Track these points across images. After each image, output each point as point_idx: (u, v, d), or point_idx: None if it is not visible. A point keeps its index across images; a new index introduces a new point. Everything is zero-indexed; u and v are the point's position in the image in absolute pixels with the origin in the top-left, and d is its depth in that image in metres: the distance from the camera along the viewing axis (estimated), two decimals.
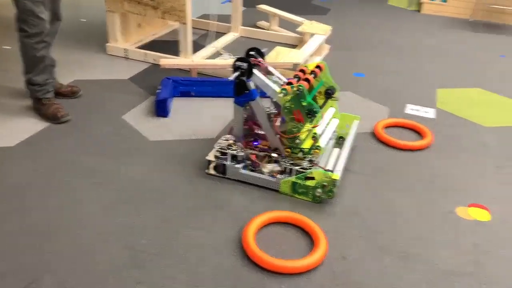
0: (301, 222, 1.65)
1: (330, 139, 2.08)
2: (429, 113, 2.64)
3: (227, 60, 2.84)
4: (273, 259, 1.46)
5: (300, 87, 1.72)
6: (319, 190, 1.76)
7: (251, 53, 1.93)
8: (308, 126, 1.80)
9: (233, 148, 1.88)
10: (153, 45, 3.38)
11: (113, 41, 3.19)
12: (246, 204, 1.78)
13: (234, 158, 1.87)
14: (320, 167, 1.81)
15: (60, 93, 2.49)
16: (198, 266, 1.48)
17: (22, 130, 2.19)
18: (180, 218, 1.68)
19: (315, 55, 3.33)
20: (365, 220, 1.73)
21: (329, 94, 2.02)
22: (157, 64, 3.01)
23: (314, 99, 1.96)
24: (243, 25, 3.87)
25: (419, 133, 2.39)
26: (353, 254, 1.57)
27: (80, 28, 3.73)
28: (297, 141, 1.80)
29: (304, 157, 1.84)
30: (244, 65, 1.76)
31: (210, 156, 1.91)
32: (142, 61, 3.11)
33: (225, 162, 1.87)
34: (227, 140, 1.92)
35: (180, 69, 2.92)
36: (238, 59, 1.77)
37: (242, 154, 1.86)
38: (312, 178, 1.76)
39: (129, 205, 1.74)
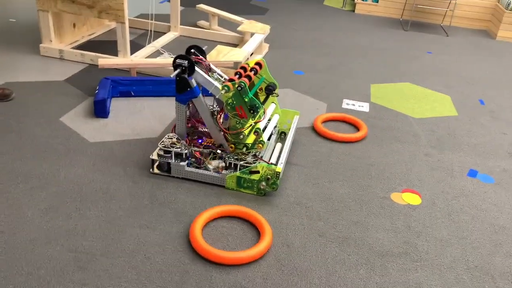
0: (247, 214, 1.69)
1: (273, 134, 2.14)
2: (364, 107, 2.78)
3: (167, 59, 2.82)
4: (219, 252, 1.49)
5: (242, 83, 1.75)
6: (263, 183, 1.80)
7: (192, 51, 1.93)
8: (251, 121, 1.84)
9: (177, 146, 1.88)
10: (90, 46, 3.29)
11: (47, 42, 3.07)
12: (192, 200, 1.79)
13: (179, 156, 1.87)
14: (264, 161, 1.86)
15: None
16: (145, 264, 1.48)
17: None
18: (125, 218, 1.67)
19: (255, 53, 3.39)
20: (307, 209, 1.80)
21: (270, 90, 2.06)
22: (95, 65, 2.95)
23: (256, 95, 2.00)
24: (184, 24, 3.86)
25: (355, 126, 2.51)
26: (296, 242, 1.63)
27: (10, 29, 3.55)
28: (241, 136, 1.83)
29: (248, 152, 1.87)
30: (185, 62, 1.76)
31: (154, 155, 1.90)
32: (79, 62, 3.02)
33: (169, 161, 1.87)
34: (171, 138, 1.92)
35: (119, 69, 2.87)
36: (179, 57, 1.77)
37: (186, 151, 1.86)
38: (257, 172, 1.80)
39: (70, 208, 1.69)
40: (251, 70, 1.94)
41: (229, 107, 1.81)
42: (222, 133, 1.87)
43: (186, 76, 1.78)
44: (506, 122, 2.74)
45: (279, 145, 2.10)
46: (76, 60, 3.03)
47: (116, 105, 2.50)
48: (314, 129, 2.44)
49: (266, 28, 3.48)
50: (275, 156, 1.99)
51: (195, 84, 1.82)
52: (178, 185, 1.87)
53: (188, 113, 1.93)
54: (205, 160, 1.89)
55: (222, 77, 1.97)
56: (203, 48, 1.97)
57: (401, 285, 1.49)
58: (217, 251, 1.50)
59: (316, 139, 2.35)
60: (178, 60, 1.76)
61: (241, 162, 1.84)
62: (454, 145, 2.41)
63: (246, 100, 1.78)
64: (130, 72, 2.74)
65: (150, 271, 1.45)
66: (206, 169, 1.88)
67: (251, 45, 3.14)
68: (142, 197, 1.79)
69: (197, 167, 1.88)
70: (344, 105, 2.77)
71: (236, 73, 1.90)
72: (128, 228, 1.62)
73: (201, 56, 1.94)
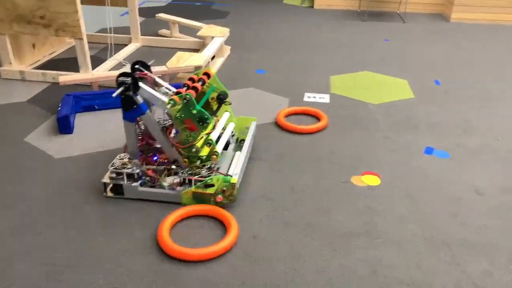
0: (213, 212, 1.75)
1: (230, 142, 2.11)
2: (324, 98, 2.86)
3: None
4: (186, 249, 1.55)
5: (187, 96, 1.71)
6: (220, 196, 1.76)
7: (136, 66, 1.87)
8: (202, 133, 1.80)
9: (128, 167, 1.82)
10: (52, 64, 3.30)
11: (7, 65, 3.07)
12: (156, 208, 1.84)
13: (131, 176, 1.82)
14: (220, 173, 1.83)
15: None
16: (116, 269, 1.52)
17: None
18: (93, 229, 1.71)
19: (217, 57, 3.46)
20: (272, 201, 1.87)
21: (221, 99, 2.03)
22: (57, 83, 2.96)
23: (208, 105, 1.99)
24: (145, 34, 3.90)
25: (316, 117, 2.59)
26: (262, 233, 1.70)
27: None
28: (193, 149, 1.80)
29: (203, 165, 1.84)
30: (128, 79, 1.70)
31: (106, 178, 1.85)
32: (42, 81, 3.03)
33: (121, 182, 1.82)
34: (122, 158, 1.87)
35: (82, 84, 2.90)
36: (121, 74, 1.72)
37: (138, 171, 1.82)
38: (211, 186, 1.76)
39: (39, 224, 1.72)
40: (198, 81, 1.91)
41: (177, 121, 1.76)
42: (175, 147, 1.83)
43: (130, 93, 1.72)
44: (460, 100, 2.86)
45: (238, 153, 2.03)
46: (38, 80, 3.04)
47: (81, 120, 2.52)
48: (277, 124, 2.51)
49: (225, 31, 3.55)
50: (233, 166, 1.91)
51: (141, 101, 1.76)
52: (136, 205, 1.85)
53: (139, 130, 1.89)
54: (158, 178, 1.84)
55: (170, 90, 1.89)
56: (149, 63, 1.92)
57: (362, 262, 1.56)
58: (184, 249, 1.55)
59: (279, 134, 2.42)
60: (120, 78, 1.70)
61: (196, 177, 1.79)
62: (411, 126, 2.52)
63: (194, 112, 1.74)
64: (92, 87, 2.77)
65: (121, 276, 1.50)
66: (161, 186, 1.83)
67: (210, 48, 3.20)
68: (108, 208, 1.82)
69: (152, 186, 1.83)
70: (305, 99, 2.85)
71: (184, 85, 1.86)
72: (96, 238, 1.66)
73: (146, 71, 1.87)
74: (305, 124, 2.49)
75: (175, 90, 1.86)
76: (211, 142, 1.82)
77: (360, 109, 2.72)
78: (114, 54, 3.46)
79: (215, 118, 2.03)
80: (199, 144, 1.80)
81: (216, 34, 3.47)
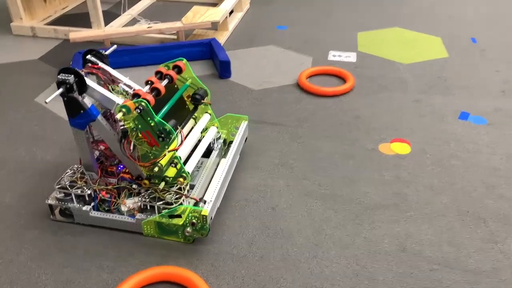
0: (177, 277, 1.30)
1: (214, 149, 1.70)
2: (351, 57, 2.67)
3: (141, 26, 2.71)
4: None
5: (142, 104, 1.28)
6: (188, 229, 1.39)
7: (88, 57, 1.47)
8: (166, 150, 1.39)
9: (78, 185, 1.47)
10: (64, 20, 3.17)
11: (18, 20, 2.95)
12: (99, 249, 1.41)
13: (81, 197, 1.47)
14: (191, 197, 1.44)
15: None
16: None
17: None
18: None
19: (236, 11, 3.25)
20: (292, 170, 1.75)
21: (197, 99, 1.59)
22: (69, 40, 2.84)
23: (183, 104, 1.60)
24: None
25: (341, 78, 2.42)
26: (281, 203, 1.59)
27: None
28: (155, 169, 1.38)
29: (171, 187, 1.43)
30: (70, 77, 1.28)
31: (51, 199, 1.48)
32: (53, 38, 2.91)
33: (69, 205, 1.46)
34: (74, 173, 1.50)
35: (94, 42, 2.77)
36: (62, 70, 1.30)
37: (89, 192, 1.45)
38: (178, 216, 1.40)
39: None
40: (164, 78, 1.48)
41: (133, 133, 1.34)
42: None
43: (75, 95, 1.31)
44: (499, 59, 2.63)
45: (223, 161, 1.63)
46: (50, 37, 2.92)
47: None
48: (298, 85, 2.35)
49: None
50: (214, 184, 1.52)
51: (89, 104, 1.34)
52: (88, 237, 1.46)
53: (92, 137, 1.48)
54: (114, 201, 1.46)
55: (131, 88, 1.45)
56: (106, 52, 1.52)
57: (390, 237, 1.45)
58: None
59: (301, 96, 2.27)
60: (61, 76, 1.28)
61: (159, 203, 1.41)
62: (444, 88, 2.32)
63: (153, 124, 1.32)
64: (104, 44, 2.64)
65: None
66: (119, 211, 1.46)
67: (229, 2, 3.00)
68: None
69: (108, 210, 1.47)
70: (330, 57, 2.66)
71: (147, 82, 1.42)
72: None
73: (100, 64, 1.47)
74: (329, 86, 2.33)
75: (137, 87, 1.45)
76: (177, 161, 1.40)
77: (389, 69, 2.53)
78: (128, 9, 3.29)
79: (191, 121, 1.61)
80: (163, 162, 1.38)
81: None
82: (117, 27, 2.96)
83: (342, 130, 1.99)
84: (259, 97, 2.27)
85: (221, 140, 1.76)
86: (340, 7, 3.46)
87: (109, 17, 3.10)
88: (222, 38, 2.84)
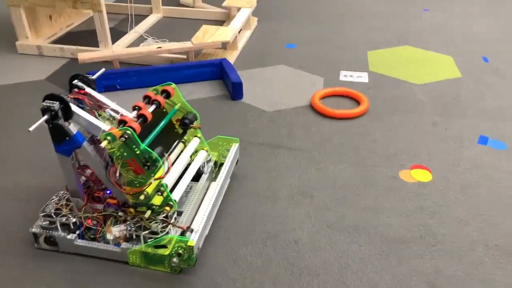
0: None
1: (204, 173, 1.66)
2: (362, 77, 2.63)
3: (150, 46, 2.67)
4: None
5: (127, 133, 1.26)
6: (175, 259, 1.36)
7: (75, 82, 1.44)
8: (152, 178, 1.36)
9: (63, 213, 1.44)
10: (70, 37, 3.12)
11: (23, 39, 2.90)
12: (86, 280, 1.38)
13: (66, 225, 1.44)
14: (178, 226, 1.41)
15: None
16: None
17: None
18: None
19: (244, 29, 3.22)
20: (312, 199, 1.70)
21: (185, 124, 1.56)
22: (77, 59, 2.79)
23: (172, 128, 1.58)
24: (166, 4, 3.67)
25: (355, 100, 2.38)
26: (304, 236, 1.53)
27: None
28: (141, 197, 1.35)
29: (157, 215, 1.40)
30: (55, 104, 1.26)
31: (35, 228, 1.45)
32: (59, 57, 2.86)
33: (53, 233, 1.43)
34: (60, 200, 1.48)
35: (102, 61, 2.72)
36: (47, 97, 1.28)
37: (74, 220, 1.43)
38: (164, 247, 1.37)
39: None
40: (151, 103, 1.45)
41: (118, 161, 1.31)
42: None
43: (60, 122, 1.29)
44: None
45: (213, 185, 1.62)
46: (56, 55, 2.87)
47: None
48: (312, 107, 2.31)
49: (253, 1, 3.30)
50: (204, 207, 1.50)
51: (75, 131, 1.32)
52: (73, 265, 1.43)
53: (78, 164, 1.45)
54: (100, 229, 1.42)
55: (118, 113, 1.42)
56: (92, 77, 1.49)
57: (418, 273, 1.40)
58: None
59: (315, 118, 2.22)
60: (45, 102, 1.26)
61: (144, 232, 1.38)
62: (461, 110, 2.29)
63: (138, 152, 1.30)
64: (113, 64, 2.59)
65: None
66: (104, 239, 1.42)
67: (238, 21, 2.97)
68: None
69: (93, 238, 1.44)
70: (341, 78, 2.62)
71: (134, 108, 1.39)
72: None
73: (87, 89, 1.44)
74: (343, 107, 2.28)
75: (124, 113, 1.41)
76: (163, 189, 1.36)
77: (402, 90, 2.49)
78: (135, 26, 3.26)
79: (181, 146, 1.57)
80: (149, 189, 1.35)
81: (243, 5, 3.22)
82: (124, 46, 2.92)
83: (360, 156, 1.94)
84: (272, 119, 2.22)
85: (211, 163, 1.70)
86: (348, 24, 3.44)
87: (115, 34, 3.06)
88: (231, 57, 2.80)
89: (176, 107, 1.56)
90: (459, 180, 1.80)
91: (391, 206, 1.66)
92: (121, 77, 2.44)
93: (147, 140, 1.37)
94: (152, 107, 1.44)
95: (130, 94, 2.43)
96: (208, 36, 2.67)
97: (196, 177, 1.62)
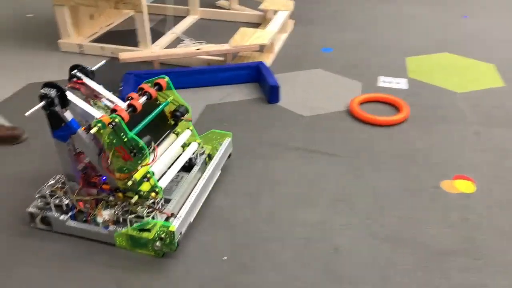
0: None
1: (196, 164, 1.72)
2: (401, 83, 2.59)
3: (189, 48, 2.69)
4: None
5: (115, 120, 1.34)
6: (157, 243, 1.43)
7: (74, 72, 1.53)
8: (139, 164, 1.43)
9: (58, 195, 1.54)
10: (110, 37, 3.19)
11: (66, 37, 2.98)
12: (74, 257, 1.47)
13: (60, 207, 1.54)
14: (163, 212, 1.48)
15: None
16: None
17: None
18: None
19: (280, 32, 3.22)
20: (352, 206, 1.68)
21: (177, 116, 1.63)
22: (116, 58, 2.85)
23: (165, 120, 1.64)
24: (204, 6, 3.70)
25: (395, 107, 2.34)
26: (344, 244, 1.52)
27: (27, 25, 3.48)
28: (129, 182, 1.42)
29: (146, 201, 1.48)
30: (52, 91, 1.36)
31: (32, 207, 1.55)
32: (100, 55, 2.92)
33: (47, 214, 1.53)
34: (56, 183, 1.58)
35: (142, 62, 2.76)
36: (45, 85, 1.38)
37: (67, 202, 1.53)
38: (147, 230, 1.45)
39: None
40: (143, 94, 1.53)
41: (108, 147, 1.39)
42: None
43: (56, 108, 1.38)
44: None
45: (205, 178, 1.66)
46: (97, 54, 2.93)
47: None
48: (350, 112, 2.28)
49: (290, 4, 3.29)
50: (191, 199, 1.54)
51: (70, 118, 1.41)
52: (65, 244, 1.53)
53: (74, 149, 1.51)
54: (91, 212, 1.51)
55: (113, 103, 1.51)
56: (95, 68, 1.59)
57: None
58: None
59: (353, 125, 2.20)
60: (43, 89, 1.36)
61: (131, 216, 1.46)
62: (504, 120, 2.22)
63: (125, 140, 1.37)
64: (153, 64, 2.63)
65: None
66: (95, 222, 1.51)
67: (275, 24, 2.96)
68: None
69: (85, 220, 1.53)
70: (380, 83, 2.59)
71: (127, 98, 1.49)
72: None
73: (85, 79, 1.53)
74: (382, 114, 2.25)
75: (120, 103, 1.50)
76: (150, 176, 1.44)
77: (443, 98, 2.44)
78: (172, 27, 3.30)
79: (173, 137, 1.65)
80: (137, 176, 1.41)
81: (280, 8, 3.22)
82: (161, 46, 2.96)
83: (401, 164, 1.91)
84: (310, 124, 2.21)
85: (204, 156, 1.77)
86: (385, 29, 3.39)
87: (153, 34, 3.10)
88: (268, 60, 2.80)
89: (169, 99, 1.63)
90: (503, 192, 1.75)
91: (434, 217, 1.63)
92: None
93: (136, 129, 1.45)
94: (143, 98, 1.51)
95: None
96: (246, 39, 2.68)
97: (189, 169, 1.69)
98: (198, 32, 3.33)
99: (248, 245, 1.51)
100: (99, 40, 3.10)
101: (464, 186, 1.78)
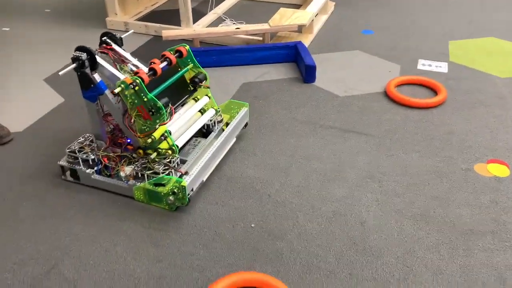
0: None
1: (213, 131, 1.84)
2: (442, 67, 2.55)
3: (229, 27, 2.75)
4: None
5: (136, 81, 1.47)
6: (171, 197, 1.56)
7: (104, 38, 1.67)
8: (158, 123, 1.56)
9: (85, 150, 1.68)
10: (154, 16, 3.30)
11: (112, 15, 3.11)
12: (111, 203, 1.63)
13: (87, 162, 1.68)
14: (178, 170, 1.59)
15: None
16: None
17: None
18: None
19: (320, 13, 3.22)
20: (381, 184, 1.70)
21: (195, 82, 1.74)
22: (159, 36, 2.95)
23: (185, 85, 1.75)
24: None
25: (433, 90, 2.31)
26: (370, 219, 1.55)
27: (80, 5, 3.65)
28: (149, 140, 1.55)
29: (164, 158, 1.59)
30: (83, 55, 1.50)
31: (63, 161, 1.71)
32: (144, 34, 3.04)
33: (76, 167, 1.68)
34: (85, 139, 1.72)
35: (183, 40, 2.85)
36: (77, 49, 1.52)
37: (93, 157, 1.66)
38: (162, 185, 1.57)
39: None
40: (164, 60, 1.65)
41: (130, 106, 1.54)
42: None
43: (87, 70, 1.53)
44: None
45: (218, 142, 1.77)
46: (141, 32, 3.05)
47: None
48: (386, 94, 2.28)
49: None
50: (203, 160, 1.65)
51: (98, 80, 1.56)
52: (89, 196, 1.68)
53: (102, 110, 1.67)
54: (115, 166, 1.64)
55: (137, 67, 1.65)
56: (123, 36, 1.73)
57: (488, 267, 1.37)
58: None
59: (389, 106, 2.20)
60: (76, 53, 1.51)
61: (149, 172, 1.58)
62: None
63: (145, 100, 1.51)
64: (193, 42, 2.71)
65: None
66: (118, 176, 1.64)
67: (315, 5, 2.97)
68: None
69: (109, 175, 1.66)
70: (419, 66, 2.56)
71: (150, 63, 1.62)
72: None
73: (114, 45, 1.65)
74: (419, 97, 2.24)
75: (143, 68, 1.63)
76: (167, 135, 1.57)
77: (484, 82, 2.38)
78: (214, 7, 3.36)
79: (192, 102, 1.75)
80: (156, 134, 1.55)
81: None
82: (203, 26, 3.03)
83: (434, 146, 1.90)
84: (344, 103, 2.23)
85: (221, 124, 1.88)
86: (428, 13, 3.31)
87: (195, 15, 3.18)
88: (306, 41, 2.82)
89: (189, 67, 1.74)
90: None
91: (463, 198, 1.63)
92: (200, 55, 2.55)
93: (155, 91, 1.57)
94: (164, 64, 1.63)
95: (209, 72, 2.53)
96: (285, 19, 2.71)
97: (207, 135, 1.83)
98: (239, 13, 3.38)
99: (276, 215, 1.57)
100: (143, 19, 3.22)
101: (498, 170, 1.76)
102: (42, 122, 2.12)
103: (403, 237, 1.48)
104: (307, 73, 2.40)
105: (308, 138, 1.98)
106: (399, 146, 1.91)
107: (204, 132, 1.85)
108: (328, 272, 1.36)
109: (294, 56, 2.63)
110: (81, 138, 1.73)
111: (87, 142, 1.71)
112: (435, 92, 2.28)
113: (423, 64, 2.58)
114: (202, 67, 2.55)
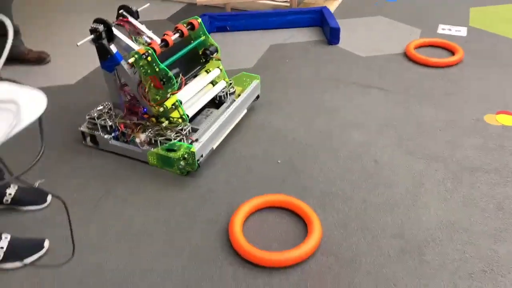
0: (291, 205, 1.51)
1: (225, 102, 1.92)
2: (461, 31, 2.66)
3: None
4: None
5: (148, 52, 1.56)
6: (182, 162, 1.65)
7: (121, 11, 1.74)
8: (169, 93, 1.65)
9: (103, 118, 1.78)
10: None
11: None
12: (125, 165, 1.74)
13: (105, 128, 1.78)
14: (189, 137, 1.68)
15: (26, 60, 2.43)
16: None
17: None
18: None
19: None
20: (396, 130, 1.88)
21: (206, 54, 1.82)
22: (193, 3, 3.14)
23: (197, 57, 1.84)
24: None
25: (450, 51, 2.44)
26: (384, 158, 1.73)
27: None
28: (161, 109, 1.65)
29: (176, 126, 1.69)
30: (100, 26, 1.58)
31: (83, 127, 1.82)
32: (178, 1, 3.24)
33: (95, 133, 1.78)
34: (103, 107, 1.82)
35: (215, 6, 3.04)
36: (95, 21, 1.59)
37: (110, 124, 1.76)
38: (173, 150, 1.66)
39: None
40: (176, 32, 1.74)
41: (144, 76, 1.63)
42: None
43: (104, 41, 1.60)
44: None
45: (227, 110, 1.84)
46: (176, 0, 3.25)
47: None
48: (406, 55, 2.43)
49: None
50: (213, 128, 1.73)
51: (115, 50, 1.63)
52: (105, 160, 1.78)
53: (119, 80, 1.74)
54: (131, 133, 1.73)
55: (152, 39, 1.73)
56: (139, 9, 1.78)
57: (488, 197, 1.54)
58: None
59: (408, 65, 2.35)
60: (93, 24, 1.58)
61: (161, 138, 1.68)
62: None
63: (157, 70, 1.59)
64: (225, 8, 2.90)
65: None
66: (133, 142, 1.74)
67: None
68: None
69: (125, 141, 1.76)
70: (439, 31, 2.68)
71: (163, 35, 1.71)
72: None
73: (129, 18, 1.73)
74: (437, 57, 2.37)
75: (157, 39, 1.72)
76: (178, 104, 1.66)
77: (501, 45, 2.49)
78: None
79: (204, 73, 1.85)
80: (168, 103, 1.65)
81: None
82: None
83: (448, 100, 2.06)
84: (366, 63, 2.39)
85: (233, 96, 1.96)
86: None
87: None
88: (332, 6, 2.97)
89: (201, 39, 1.83)
90: None
91: (472, 143, 1.79)
92: (231, 19, 2.74)
93: (167, 62, 1.67)
94: (176, 35, 1.73)
95: (238, 35, 2.72)
96: None
97: (219, 106, 1.91)
98: None
99: (300, 154, 1.77)
100: None
101: (506, 120, 1.90)
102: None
103: (412, 173, 1.66)
104: (332, 35, 2.56)
105: (332, 92, 2.15)
106: (416, 100, 2.07)
107: (216, 103, 1.92)
108: (345, 198, 1.56)
109: (319, 21, 2.79)
110: (100, 106, 1.83)
111: (106, 110, 1.81)
112: (452, 53, 2.42)
113: (443, 29, 2.70)
114: (233, 31, 2.74)
